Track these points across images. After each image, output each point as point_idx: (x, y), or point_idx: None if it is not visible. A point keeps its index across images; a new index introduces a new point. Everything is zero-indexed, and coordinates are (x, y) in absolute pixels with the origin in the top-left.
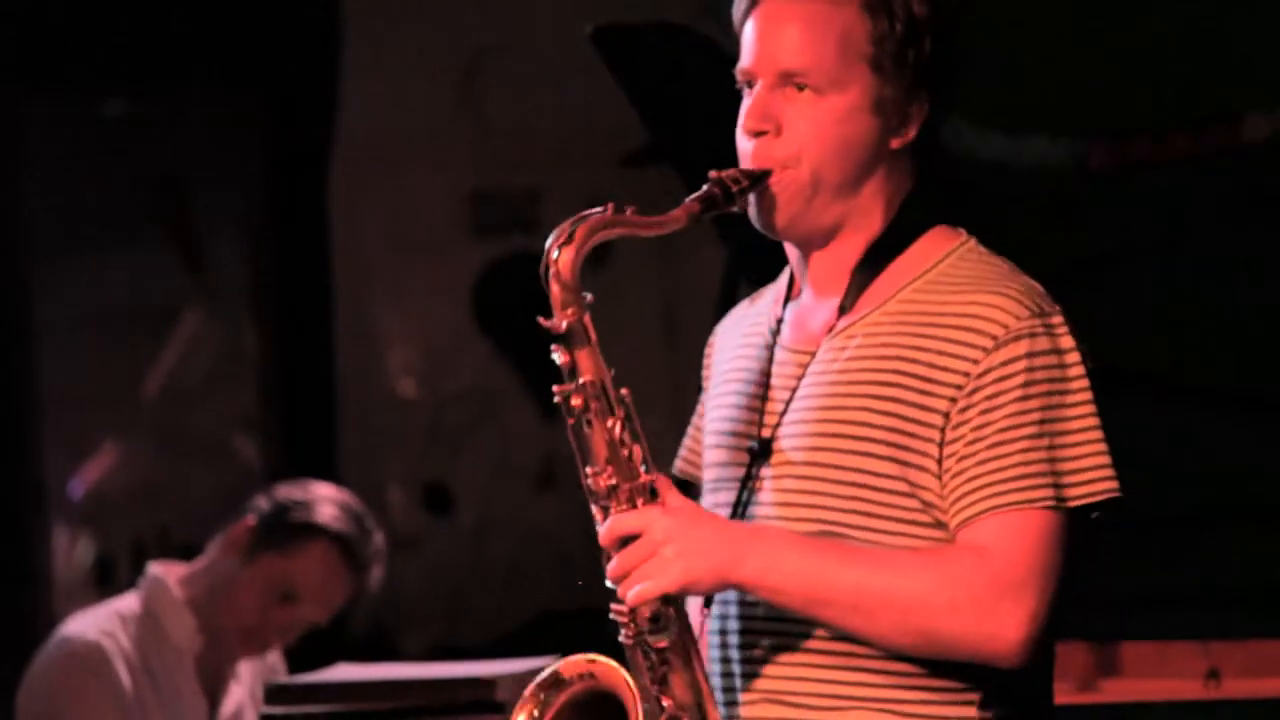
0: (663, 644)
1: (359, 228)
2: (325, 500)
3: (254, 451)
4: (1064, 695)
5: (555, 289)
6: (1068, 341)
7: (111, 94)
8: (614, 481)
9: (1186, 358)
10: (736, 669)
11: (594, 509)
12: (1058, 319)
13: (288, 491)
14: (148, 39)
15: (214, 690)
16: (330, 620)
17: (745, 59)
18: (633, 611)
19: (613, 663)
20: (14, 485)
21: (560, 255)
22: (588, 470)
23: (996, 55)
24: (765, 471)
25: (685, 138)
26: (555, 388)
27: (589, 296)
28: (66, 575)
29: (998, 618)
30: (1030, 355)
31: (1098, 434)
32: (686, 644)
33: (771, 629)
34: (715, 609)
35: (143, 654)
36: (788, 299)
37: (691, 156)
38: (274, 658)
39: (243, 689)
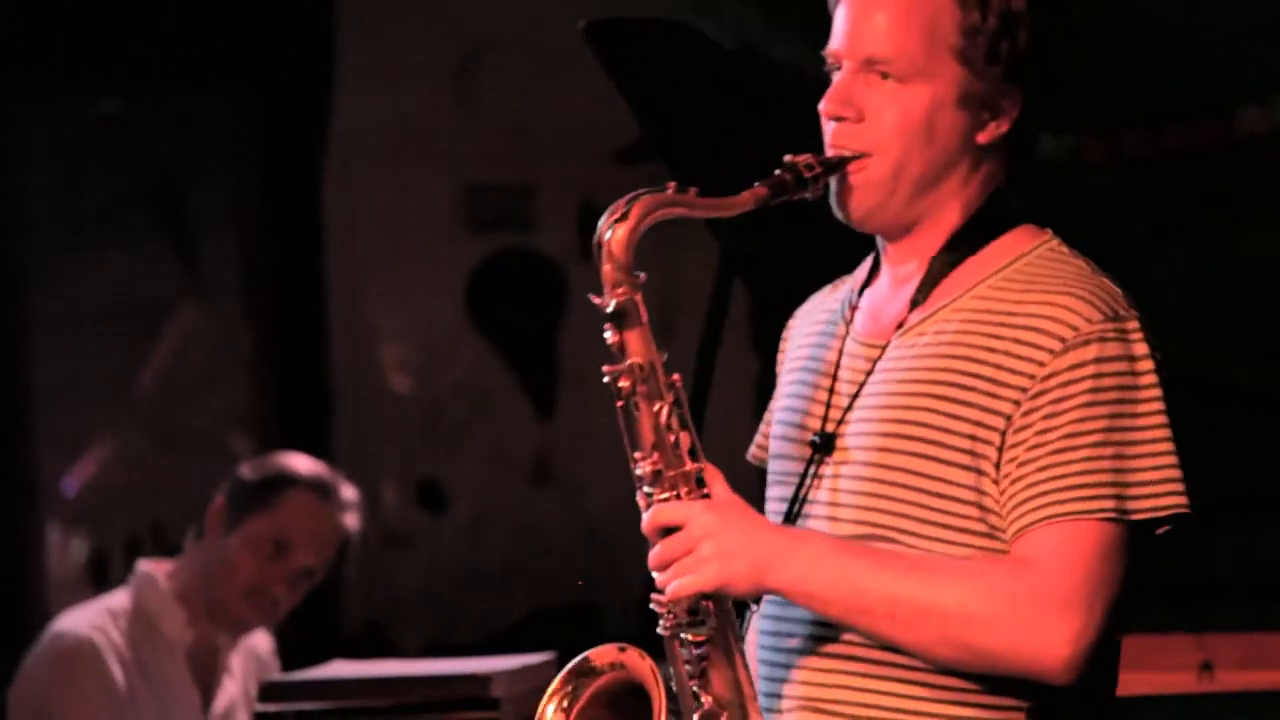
0: (700, 638)
1: (353, 223)
2: (288, 457)
3: (248, 448)
4: None
5: (607, 267)
6: (1142, 348)
7: (106, 91)
8: (659, 467)
9: (1180, 352)
10: (780, 673)
11: (639, 495)
12: (1133, 324)
13: (250, 464)
14: (142, 36)
15: (207, 684)
16: (325, 569)
17: (833, 41)
18: (671, 603)
19: (642, 653)
20: (8, 482)
21: (613, 233)
22: (635, 455)
23: None
24: (825, 469)
25: (679, 134)
26: (605, 368)
27: (642, 276)
28: (60, 572)
29: (1042, 633)
30: (1100, 360)
31: (1168, 445)
32: (729, 640)
33: (815, 634)
34: (766, 609)
35: (134, 649)
36: (865, 285)
37: (685, 152)
38: (267, 653)
39: (236, 684)
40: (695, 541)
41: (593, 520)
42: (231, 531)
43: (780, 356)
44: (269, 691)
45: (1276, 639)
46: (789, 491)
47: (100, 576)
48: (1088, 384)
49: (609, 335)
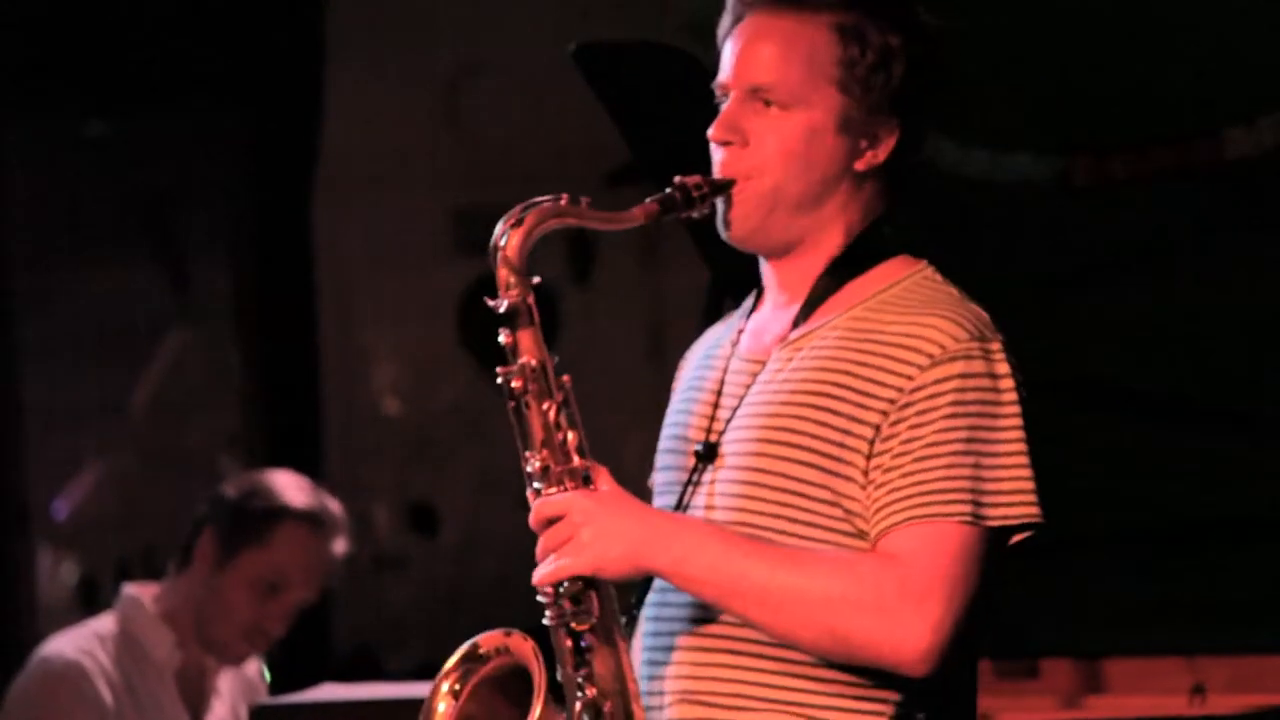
0: (584, 627)
1: (343, 246)
2: (276, 482)
3: (239, 470)
4: (1049, 712)
5: (502, 271)
6: (1003, 368)
7: (96, 114)
8: (547, 464)
9: (1170, 373)
10: (659, 669)
11: (529, 492)
12: (997, 345)
13: (236, 487)
14: (129, 59)
15: (195, 705)
16: (319, 595)
17: (721, 73)
18: (556, 593)
19: (525, 635)
20: None
21: (509, 238)
22: (526, 454)
23: (979, 71)
24: (706, 476)
25: (667, 156)
26: (498, 369)
27: (535, 279)
28: (50, 596)
29: (903, 623)
30: (964, 376)
31: (1024, 459)
32: (612, 631)
33: (689, 627)
34: (647, 610)
35: (123, 672)
36: (753, 310)
37: (673, 174)
38: (255, 673)
39: (224, 705)
40: (575, 528)
41: None
42: (223, 565)
43: (674, 389)
44: (260, 715)
45: (1268, 661)
46: (673, 500)
47: (91, 600)
48: (951, 397)
49: (503, 337)
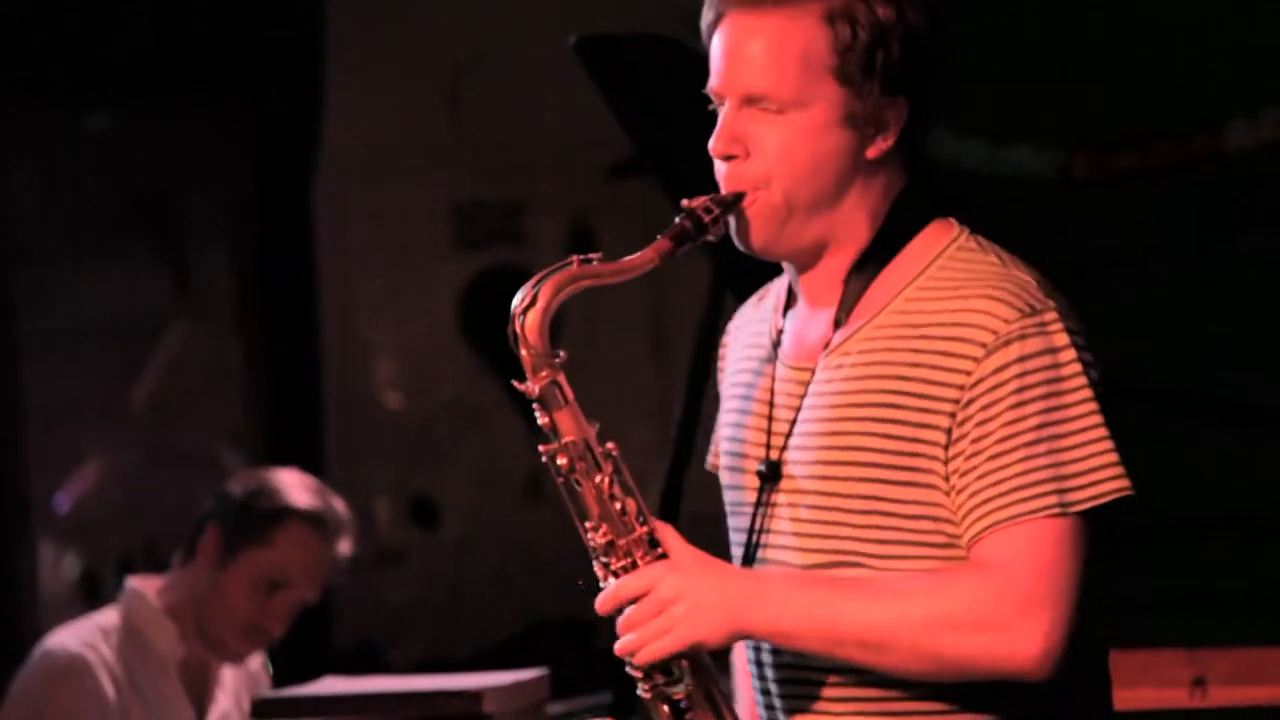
0: (679, 695)
1: (344, 240)
2: (282, 481)
3: (240, 465)
4: None
5: (525, 354)
6: (1062, 338)
7: (94, 108)
8: (611, 538)
9: (1169, 366)
10: (767, 711)
11: (595, 565)
12: (1051, 314)
13: (242, 484)
14: (130, 52)
15: (199, 697)
16: (320, 595)
17: (712, 79)
18: (646, 667)
19: None
20: (0, 499)
21: (526, 319)
22: (585, 526)
23: (980, 64)
24: (776, 497)
25: (669, 150)
26: (541, 447)
27: (561, 355)
28: (52, 590)
29: (1012, 636)
30: (1022, 359)
31: (1101, 431)
32: (709, 689)
33: (793, 666)
34: (749, 644)
35: (126, 665)
36: (787, 307)
37: (676, 168)
38: (257, 665)
39: (228, 697)
40: (664, 604)
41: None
42: (226, 563)
43: (720, 372)
44: (261, 708)
45: (1269, 654)
46: (744, 523)
47: (92, 594)
48: (1013, 384)
49: (539, 418)
